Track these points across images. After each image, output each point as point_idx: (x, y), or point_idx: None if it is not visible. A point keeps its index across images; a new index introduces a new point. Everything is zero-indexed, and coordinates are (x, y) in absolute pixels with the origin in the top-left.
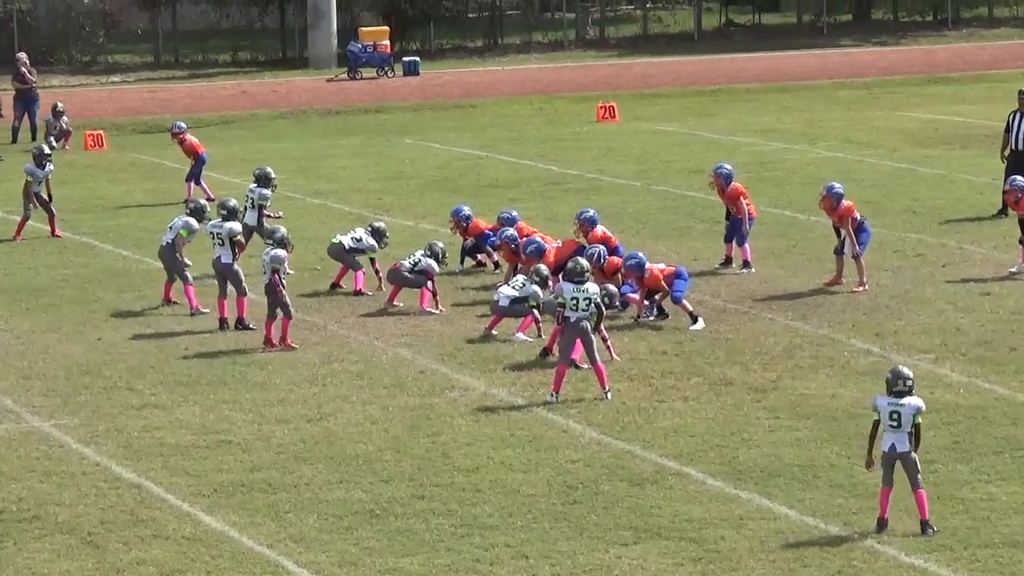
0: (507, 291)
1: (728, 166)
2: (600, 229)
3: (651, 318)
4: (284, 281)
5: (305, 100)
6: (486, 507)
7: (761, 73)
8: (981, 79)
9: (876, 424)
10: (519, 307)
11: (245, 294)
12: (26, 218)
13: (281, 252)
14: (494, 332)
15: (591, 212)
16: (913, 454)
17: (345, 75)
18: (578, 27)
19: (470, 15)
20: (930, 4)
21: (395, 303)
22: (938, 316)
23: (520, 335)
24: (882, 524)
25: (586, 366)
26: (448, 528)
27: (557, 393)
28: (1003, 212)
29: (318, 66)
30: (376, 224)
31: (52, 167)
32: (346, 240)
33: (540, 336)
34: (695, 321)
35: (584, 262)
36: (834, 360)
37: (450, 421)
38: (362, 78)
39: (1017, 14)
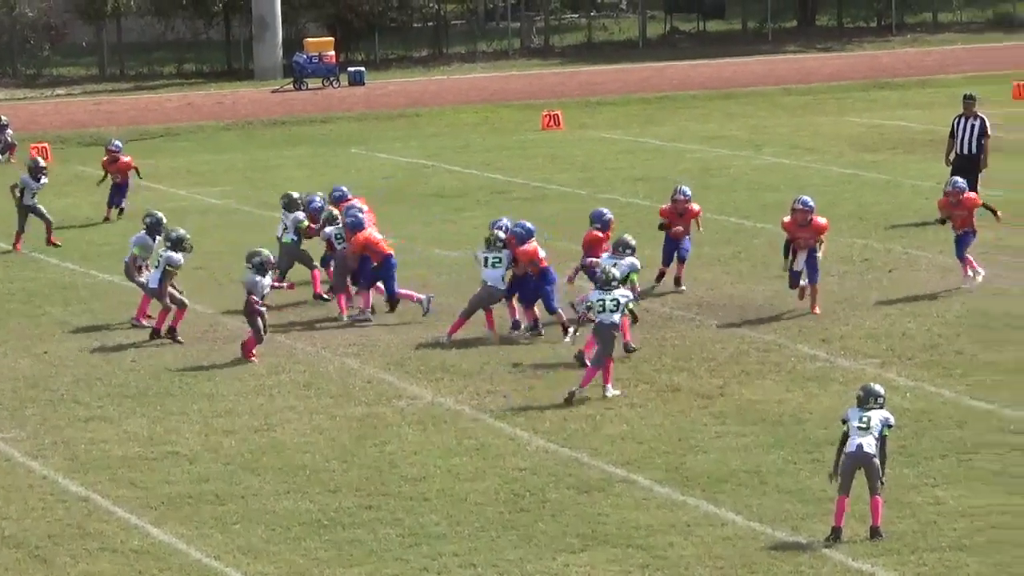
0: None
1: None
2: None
3: (528, 333)
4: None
5: (251, 111)
6: (434, 516)
7: (706, 80)
8: (926, 84)
9: (845, 436)
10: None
11: (185, 307)
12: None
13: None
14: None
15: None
16: (876, 460)
17: (291, 86)
18: (522, 36)
19: (415, 25)
20: (874, 10)
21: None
22: (884, 321)
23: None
24: (837, 533)
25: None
26: (396, 538)
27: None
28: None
29: (264, 77)
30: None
31: (46, 179)
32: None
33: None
34: (566, 333)
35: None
36: (781, 366)
37: (397, 430)
38: (308, 89)
39: (961, 19)
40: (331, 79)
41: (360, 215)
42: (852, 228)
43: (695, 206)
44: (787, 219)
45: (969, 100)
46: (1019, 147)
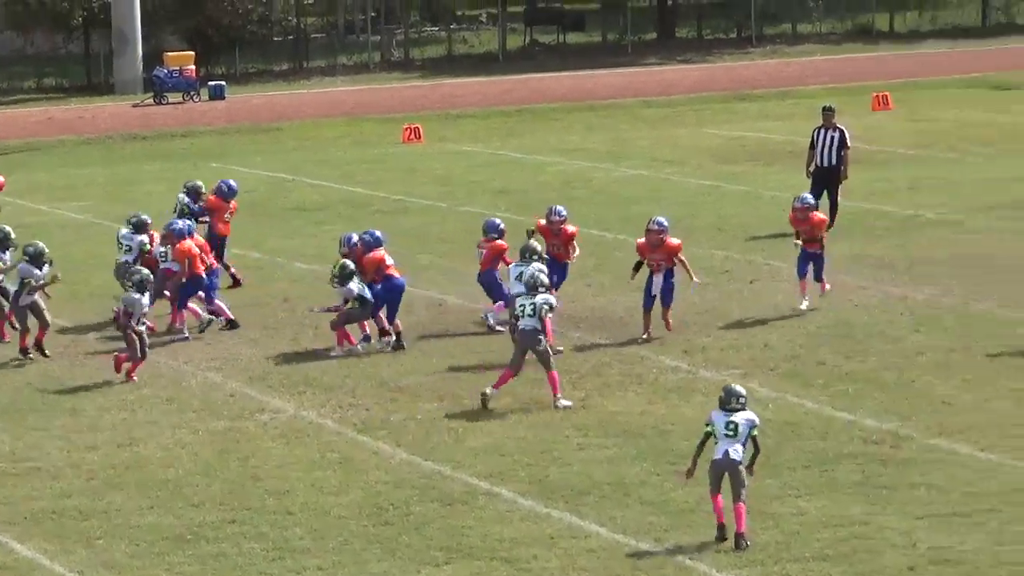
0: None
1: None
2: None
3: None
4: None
5: (111, 126)
6: (297, 530)
7: (566, 92)
8: (786, 95)
9: (707, 436)
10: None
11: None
12: None
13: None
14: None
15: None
16: (742, 467)
17: (151, 100)
18: (383, 49)
19: (275, 39)
20: (734, 21)
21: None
22: (746, 332)
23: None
24: (722, 530)
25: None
26: (260, 552)
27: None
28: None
29: (124, 91)
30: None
31: None
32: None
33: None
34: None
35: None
36: (643, 377)
37: (260, 444)
38: (168, 103)
39: (820, 31)
40: (191, 93)
41: (181, 224)
42: (712, 239)
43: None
44: (641, 240)
45: (828, 112)
46: (878, 158)
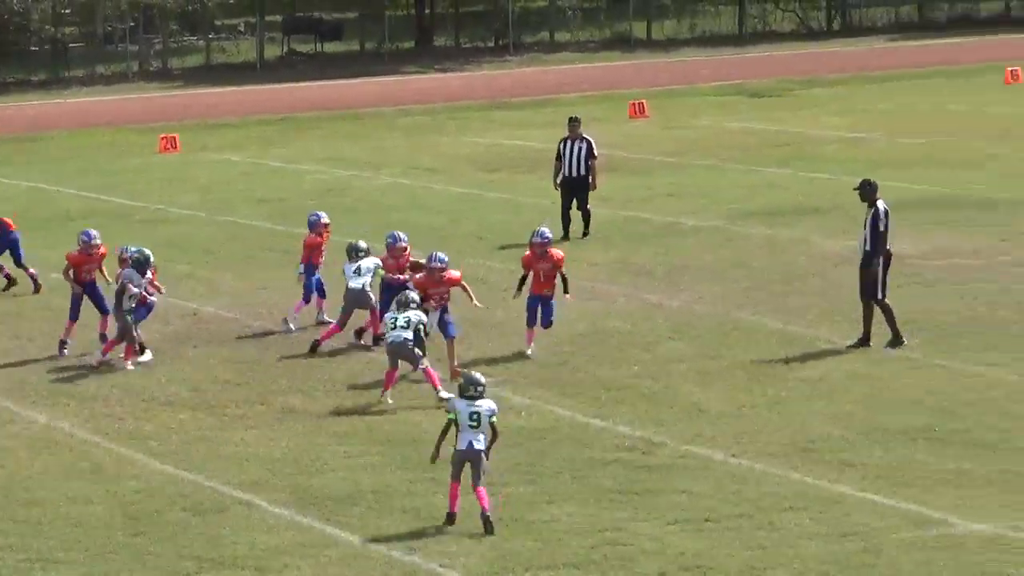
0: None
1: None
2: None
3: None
4: None
5: None
6: (51, 541)
7: (325, 101)
8: (545, 104)
9: (450, 423)
10: None
11: None
12: None
13: None
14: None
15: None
16: (484, 455)
17: None
18: (141, 59)
19: (32, 48)
20: (491, 30)
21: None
22: (503, 340)
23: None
24: (451, 518)
25: None
26: (12, 563)
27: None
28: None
29: None
30: None
31: None
32: None
33: None
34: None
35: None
36: (403, 386)
37: (12, 454)
38: None
39: (578, 39)
40: None
41: None
42: (473, 248)
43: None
44: (527, 253)
45: (574, 122)
46: (636, 165)
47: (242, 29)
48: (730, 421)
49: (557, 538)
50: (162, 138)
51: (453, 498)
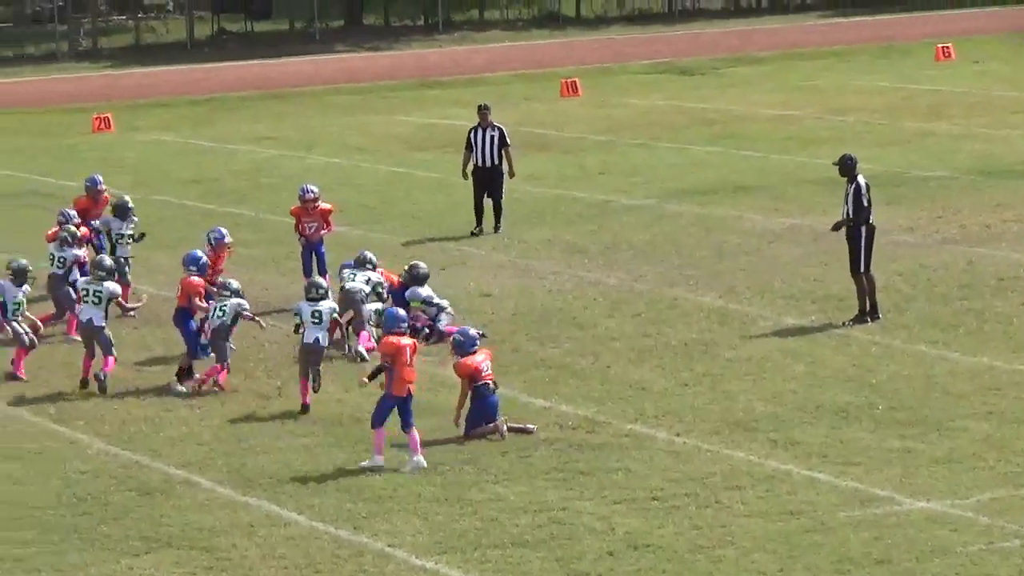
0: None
1: None
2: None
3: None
4: None
5: None
6: None
7: (255, 81)
8: (475, 83)
9: (296, 327)
10: None
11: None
12: None
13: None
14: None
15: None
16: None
17: None
18: (70, 39)
19: None
20: (420, 8)
21: None
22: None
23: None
24: (305, 409)
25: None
26: None
27: None
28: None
29: None
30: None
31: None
32: None
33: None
34: None
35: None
36: (337, 366)
37: None
38: None
39: (507, 17)
40: None
41: None
42: (405, 227)
43: (325, 204)
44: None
45: (484, 110)
46: (568, 144)
47: (171, 8)
48: (672, 400)
49: (503, 517)
50: (95, 118)
51: (303, 392)
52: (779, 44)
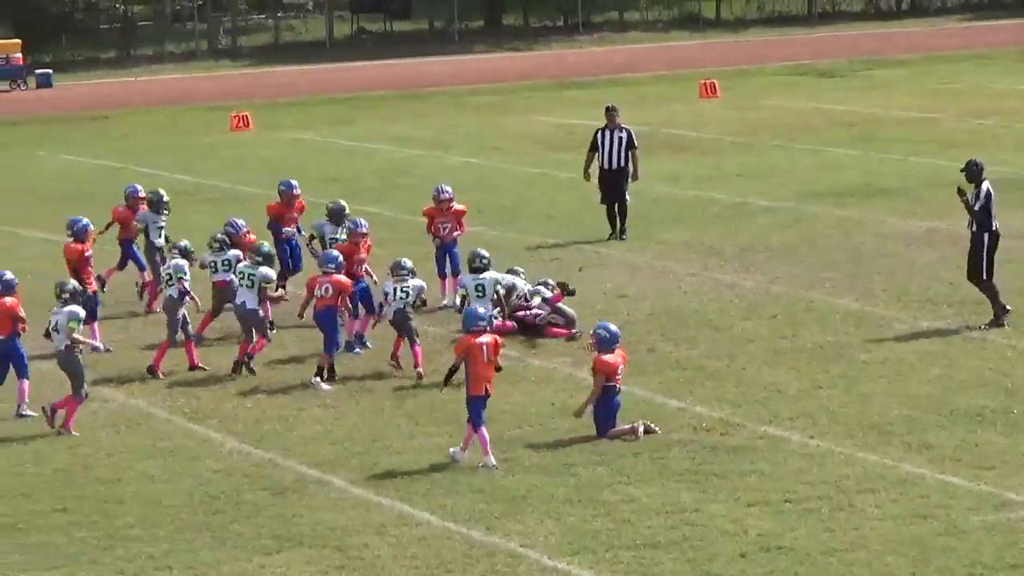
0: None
1: None
2: None
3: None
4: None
5: None
6: (128, 518)
7: (394, 80)
8: (614, 83)
9: (463, 300)
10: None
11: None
12: None
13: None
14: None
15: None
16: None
17: None
18: (210, 37)
19: (102, 26)
20: (561, 9)
21: None
22: (577, 320)
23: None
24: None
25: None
26: (91, 540)
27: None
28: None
29: None
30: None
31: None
32: None
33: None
34: None
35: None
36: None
37: (90, 433)
38: None
39: (647, 18)
40: (18, 81)
41: None
42: (541, 227)
43: (459, 205)
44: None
45: (612, 111)
46: (706, 145)
47: (310, 7)
48: (805, 402)
49: (636, 518)
50: (234, 116)
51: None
52: (918, 47)
